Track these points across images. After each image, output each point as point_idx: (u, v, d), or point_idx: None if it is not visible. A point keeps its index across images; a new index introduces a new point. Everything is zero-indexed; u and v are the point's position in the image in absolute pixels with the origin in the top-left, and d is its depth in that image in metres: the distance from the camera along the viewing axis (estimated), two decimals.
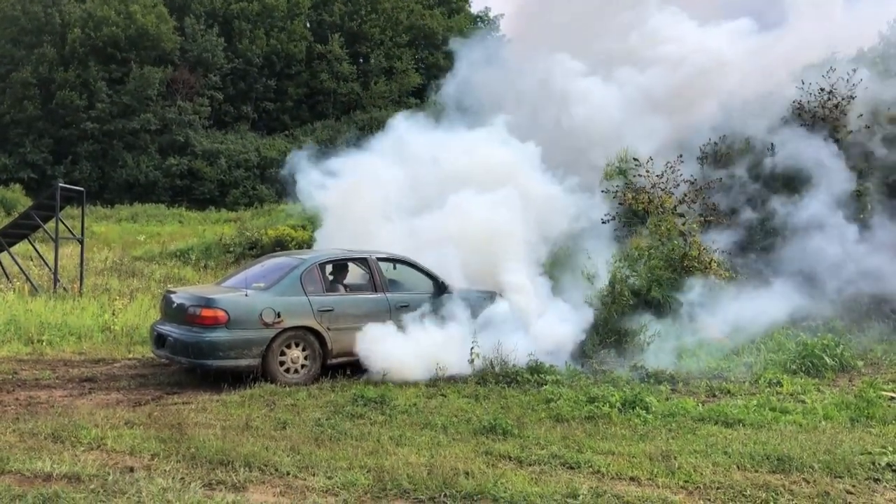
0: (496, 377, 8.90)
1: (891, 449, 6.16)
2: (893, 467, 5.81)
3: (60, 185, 17.00)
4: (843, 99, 13.35)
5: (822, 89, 13.49)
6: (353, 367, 9.17)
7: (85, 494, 4.90)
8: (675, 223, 12.12)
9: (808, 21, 15.57)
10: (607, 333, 10.52)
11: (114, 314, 12.26)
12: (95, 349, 10.90)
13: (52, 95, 43.22)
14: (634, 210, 12.68)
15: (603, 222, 12.75)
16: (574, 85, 14.73)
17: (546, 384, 8.64)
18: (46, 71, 43.49)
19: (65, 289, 15.87)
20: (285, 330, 8.80)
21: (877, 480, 5.58)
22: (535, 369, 9.06)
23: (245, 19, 50.19)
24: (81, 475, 5.24)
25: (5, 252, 16.92)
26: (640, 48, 15.33)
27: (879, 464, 5.85)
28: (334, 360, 9.10)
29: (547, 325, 10.06)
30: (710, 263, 11.71)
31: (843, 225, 12.30)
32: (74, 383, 8.82)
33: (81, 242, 17.83)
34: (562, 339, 10.02)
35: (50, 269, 17.01)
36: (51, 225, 17.45)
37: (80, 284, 16.19)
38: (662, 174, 12.91)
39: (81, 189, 18.64)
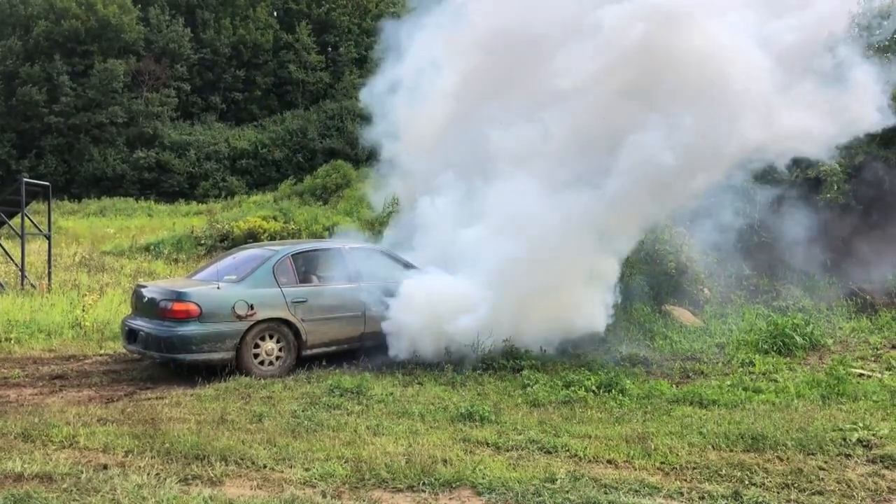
0: (473, 364, 8.90)
1: (861, 425, 6.27)
2: (864, 443, 5.92)
3: (25, 179, 16.66)
4: None
5: None
6: (329, 358, 9.13)
7: (58, 494, 4.83)
8: None
9: None
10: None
11: (84, 310, 12.07)
12: (65, 346, 10.72)
13: (13, 90, 42.38)
14: None
15: None
16: None
17: (522, 370, 8.66)
18: (13, 65, 42.64)
19: (32, 285, 15.61)
20: (259, 322, 8.73)
21: (848, 456, 5.68)
22: (511, 354, 9.07)
23: (207, 8, 49.56)
24: (53, 474, 5.16)
25: None
26: None
27: (850, 440, 5.95)
28: (309, 352, 9.06)
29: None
30: (681, 247, 11.80)
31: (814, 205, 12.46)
32: (45, 381, 8.67)
33: (49, 238, 17.55)
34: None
35: (17, 265, 16.72)
36: (16, 221, 17.14)
37: (49, 281, 15.93)
38: None
39: (47, 184, 18.26)
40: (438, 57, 11.35)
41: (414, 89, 11.53)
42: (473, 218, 9.68)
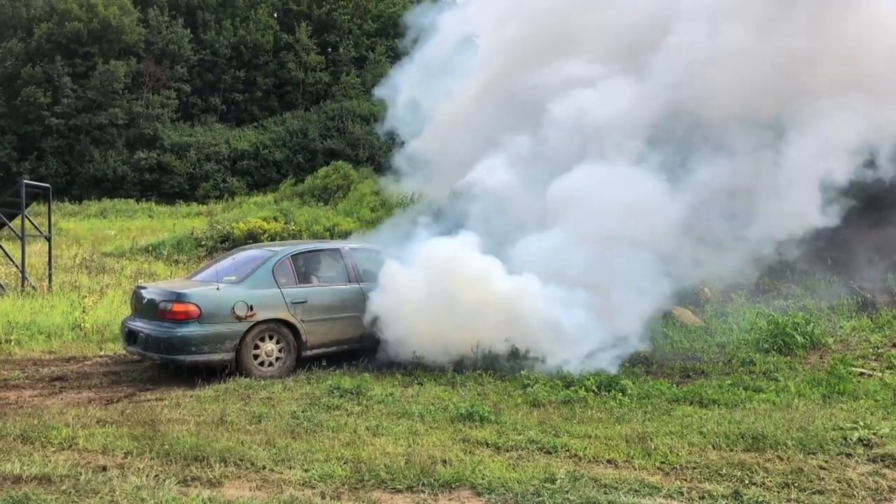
0: (474, 364, 8.89)
1: (862, 424, 6.25)
2: (864, 442, 5.90)
3: (25, 181, 16.67)
4: None
5: None
6: (329, 359, 9.12)
7: (56, 495, 4.82)
8: None
9: None
10: None
11: (84, 311, 12.07)
12: (66, 347, 10.73)
13: (16, 92, 42.42)
14: None
15: None
16: None
17: (523, 369, 8.64)
18: (14, 67, 42.67)
19: (33, 287, 15.61)
20: (258, 323, 8.73)
21: (849, 455, 5.67)
22: (513, 355, 9.04)
23: (207, 9, 49.58)
24: (52, 476, 5.16)
25: None
26: None
27: (851, 439, 5.94)
28: (309, 352, 9.06)
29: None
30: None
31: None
32: (44, 383, 8.67)
33: (49, 240, 17.57)
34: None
35: (17, 267, 16.72)
36: (17, 222, 17.15)
37: (49, 282, 15.94)
38: None
39: (47, 185, 18.30)
40: (482, 25, 10.64)
41: (453, 66, 11.12)
42: (540, 200, 9.13)
